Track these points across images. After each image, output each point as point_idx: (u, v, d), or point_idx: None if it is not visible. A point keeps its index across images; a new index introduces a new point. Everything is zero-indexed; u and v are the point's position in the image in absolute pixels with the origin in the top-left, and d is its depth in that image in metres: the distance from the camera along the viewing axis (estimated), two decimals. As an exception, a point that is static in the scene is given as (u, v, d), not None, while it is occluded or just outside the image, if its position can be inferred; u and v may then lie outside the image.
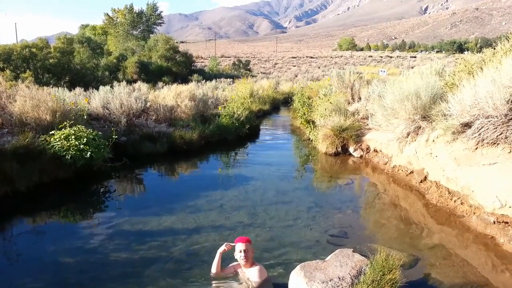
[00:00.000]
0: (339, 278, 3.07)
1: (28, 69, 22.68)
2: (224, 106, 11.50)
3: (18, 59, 23.07)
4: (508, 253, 4.18)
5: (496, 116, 5.27)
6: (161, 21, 57.63)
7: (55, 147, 6.32)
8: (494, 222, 4.62)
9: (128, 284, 3.61)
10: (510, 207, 4.49)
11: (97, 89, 10.23)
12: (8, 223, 4.97)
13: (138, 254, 4.16)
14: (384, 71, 27.91)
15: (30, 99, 7.21)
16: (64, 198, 5.92)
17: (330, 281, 3.03)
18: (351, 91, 12.43)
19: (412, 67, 35.84)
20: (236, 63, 59.64)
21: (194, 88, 14.25)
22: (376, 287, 2.92)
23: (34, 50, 23.72)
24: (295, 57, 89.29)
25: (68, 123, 6.71)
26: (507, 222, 4.51)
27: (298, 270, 3.22)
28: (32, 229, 4.89)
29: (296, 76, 43.34)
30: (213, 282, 3.58)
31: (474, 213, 4.99)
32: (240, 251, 3.44)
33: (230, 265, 3.71)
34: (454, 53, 79.10)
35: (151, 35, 51.60)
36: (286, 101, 20.42)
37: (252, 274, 3.40)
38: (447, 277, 3.73)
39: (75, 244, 4.39)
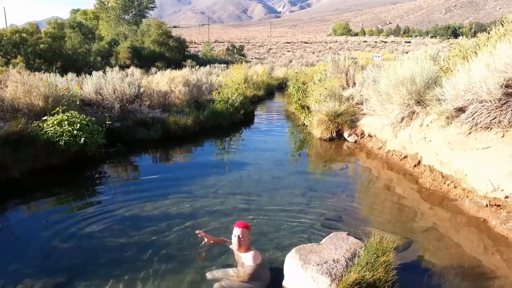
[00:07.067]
0: (333, 260, 3.10)
1: (19, 54, 22.35)
2: (219, 92, 11.43)
3: (8, 44, 22.71)
4: (499, 235, 4.25)
5: (489, 101, 5.29)
6: (153, 6, 56.84)
7: (48, 133, 6.27)
8: (486, 205, 4.68)
9: (122, 269, 3.61)
10: (502, 190, 4.55)
11: (90, 74, 10.11)
12: (1, 209, 4.94)
13: (133, 239, 4.17)
14: (378, 56, 27.85)
15: (21, 84, 7.12)
16: (58, 184, 5.87)
17: (325, 263, 3.06)
18: (346, 76, 12.40)
19: (407, 52, 35.78)
20: (230, 48, 59.10)
21: (188, 73, 14.11)
22: (370, 269, 2.95)
23: (24, 35, 23.32)
24: (290, 42, 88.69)
25: (61, 108, 6.65)
26: (499, 205, 4.58)
27: (293, 253, 3.25)
28: (26, 215, 4.88)
29: (291, 62, 43.11)
30: (209, 266, 3.60)
31: (467, 197, 5.05)
32: (235, 236, 3.47)
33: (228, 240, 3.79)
34: (448, 38, 78.80)
35: (143, 19, 50.82)
36: (281, 86, 20.33)
37: (246, 259, 3.43)
38: (440, 259, 3.79)
39: (69, 230, 4.38)
